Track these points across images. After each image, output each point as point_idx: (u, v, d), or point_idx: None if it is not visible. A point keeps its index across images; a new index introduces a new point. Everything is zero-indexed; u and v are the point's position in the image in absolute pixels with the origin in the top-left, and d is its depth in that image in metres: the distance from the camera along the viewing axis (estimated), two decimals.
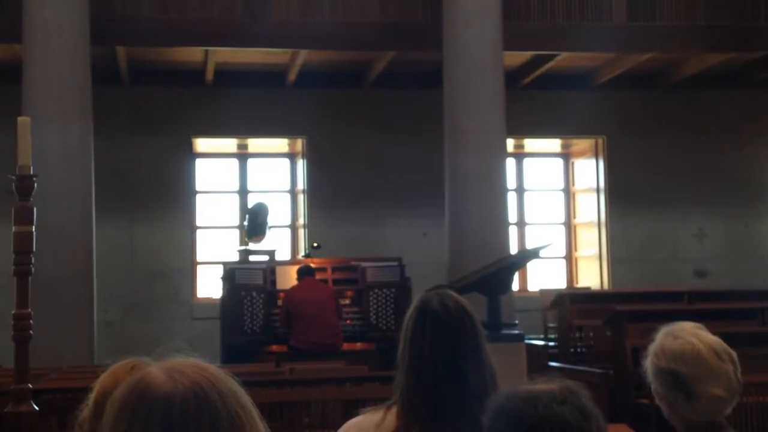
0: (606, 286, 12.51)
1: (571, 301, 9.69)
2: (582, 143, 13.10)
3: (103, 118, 9.85)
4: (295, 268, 9.49)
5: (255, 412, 1.31)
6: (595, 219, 12.88)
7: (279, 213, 12.32)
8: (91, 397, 2.50)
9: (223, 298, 9.63)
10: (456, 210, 9.39)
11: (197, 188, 12.29)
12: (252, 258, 10.54)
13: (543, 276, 12.89)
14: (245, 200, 12.35)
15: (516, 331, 7.13)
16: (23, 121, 4.31)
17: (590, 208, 12.99)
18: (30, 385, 4.25)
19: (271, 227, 10.99)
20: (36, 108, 8.35)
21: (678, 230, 12.77)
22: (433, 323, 2.44)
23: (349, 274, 9.96)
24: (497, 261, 7.44)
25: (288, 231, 12.59)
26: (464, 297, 2.57)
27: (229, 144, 12.63)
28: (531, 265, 12.32)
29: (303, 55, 10.74)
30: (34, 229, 4.21)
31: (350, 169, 12.09)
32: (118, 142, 11.34)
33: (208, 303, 11.25)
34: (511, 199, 11.75)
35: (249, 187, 12.58)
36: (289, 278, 9.48)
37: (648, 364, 2.62)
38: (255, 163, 12.77)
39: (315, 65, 11.29)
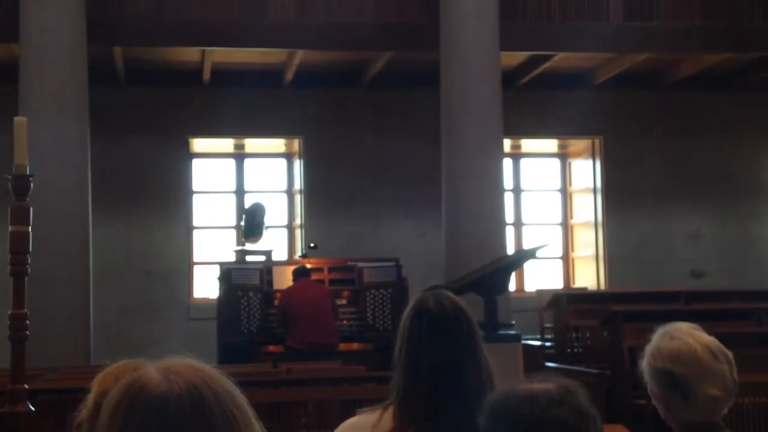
0: (603, 286, 12.52)
1: (568, 302, 9.70)
2: (579, 143, 13.12)
3: (99, 118, 9.84)
4: (292, 268, 9.49)
5: (251, 413, 1.31)
6: (592, 219, 12.89)
7: (276, 213, 12.32)
8: (90, 397, 2.50)
9: (219, 299, 9.63)
10: (453, 210, 9.40)
11: (194, 188, 12.28)
12: (249, 258, 10.53)
13: (540, 276, 12.90)
14: (242, 200, 12.35)
15: (513, 332, 7.13)
16: (20, 120, 4.30)
17: (587, 208, 13.00)
18: (26, 386, 4.24)
19: (267, 227, 10.99)
20: (32, 107, 8.34)
21: (674, 231, 12.78)
22: (429, 323, 2.44)
23: (346, 275, 9.97)
24: (494, 261, 7.44)
25: (285, 231, 12.59)
26: (461, 297, 2.57)
27: (226, 144, 12.63)
28: (528, 266, 12.34)
29: (300, 56, 10.74)
30: (30, 229, 4.21)
31: (347, 169, 12.09)
32: (114, 141, 11.34)
33: (205, 303, 11.24)
34: (508, 199, 11.76)
35: (246, 187, 12.58)
36: (286, 278, 9.48)
37: (644, 364, 2.62)
38: (252, 163, 12.76)
39: (312, 65, 11.29)
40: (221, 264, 10.04)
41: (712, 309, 8.63)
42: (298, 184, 12.46)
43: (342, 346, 9.21)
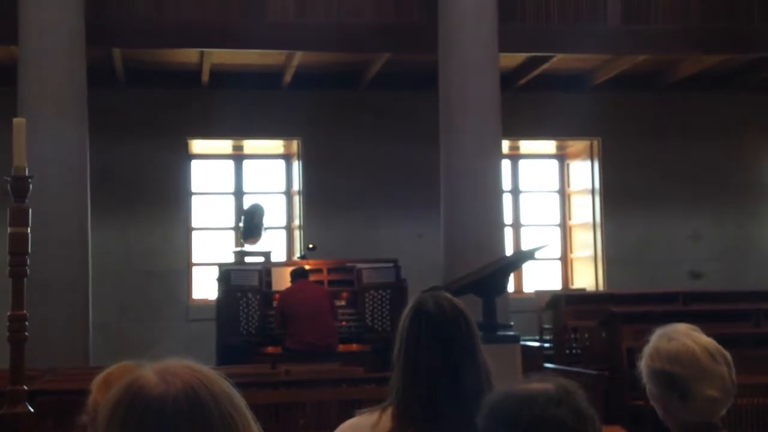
0: (601, 287, 12.52)
1: (567, 303, 9.71)
2: (577, 145, 13.12)
3: (98, 120, 9.83)
4: (291, 269, 9.49)
5: (249, 414, 1.31)
6: (590, 220, 12.89)
7: (274, 214, 12.32)
8: (90, 399, 2.50)
9: (218, 300, 9.63)
10: (451, 211, 9.40)
11: (193, 190, 12.28)
12: (247, 259, 10.53)
13: (538, 277, 12.90)
14: (241, 202, 12.35)
15: (511, 333, 7.13)
16: (19, 122, 4.31)
17: (585, 209, 13.01)
18: (25, 387, 4.24)
19: (266, 229, 10.99)
20: (31, 109, 8.33)
21: (673, 232, 12.79)
22: (428, 324, 2.44)
23: (344, 276, 9.97)
24: (493, 262, 7.45)
25: (283, 232, 12.59)
26: (460, 298, 2.57)
27: (225, 145, 12.63)
28: (526, 267, 12.34)
29: (298, 57, 10.74)
30: (29, 231, 4.21)
31: (346, 170, 12.09)
32: (113, 143, 11.34)
33: (204, 304, 11.24)
34: (507, 200, 11.76)
35: (244, 189, 12.58)
36: (284, 279, 9.48)
37: (643, 365, 2.63)
38: (250, 165, 12.76)
39: (310, 67, 11.29)
40: (220, 265, 10.04)
41: (711, 310, 8.64)
42: (296, 185, 12.46)
43: (341, 347, 9.21)
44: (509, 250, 10.46)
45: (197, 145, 12.40)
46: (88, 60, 9.14)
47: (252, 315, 9.45)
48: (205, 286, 11.81)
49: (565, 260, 13.21)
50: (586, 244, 12.95)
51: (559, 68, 11.62)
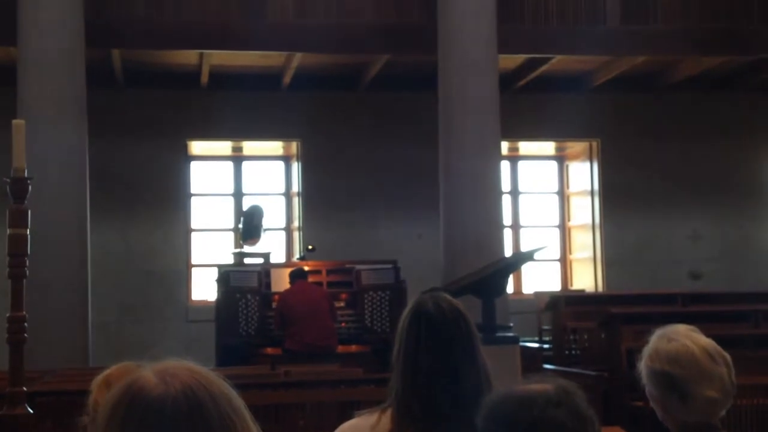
0: (600, 288, 12.52)
1: (566, 304, 9.71)
2: (576, 146, 13.12)
3: (98, 121, 9.83)
4: (290, 270, 9.49)
5: (248, 415, 1.31)
6: (590, 221, 12.89)
7: (274, 215, 12.32)
8: (90, 399, 2.50)
9: (218, 301, 9.62)
10: (451, 213, 9.40)
11: (192, 191, 12.29)
12: (247, 260, 10.53)
13: (537, 278, 12.90)
14: (240, 203, 12.35)
15: (510, 334, 7.12)
16: (18, 123, 4.31)
17: (584, 210, 13.01)
18: (25, 388, 4.24)
19: (265, 230, 10.99)
20: (31, 110, 8.34)
21: (672, 232, 12.79)
22: (427, 326, 2.44)
23: (343, 277, 9.97)
24: (492, 263, 7.45)
25: (283, 233, 12.59)
26: (459, 299, 2.58)
27: (224, 147, 12.63)
28: (526, 268, 12.34)
29: (298, 58, 10.74)
30: (28, 232, 4.21)
31: (345, 171, 12.09)
32: (113, 144, 11.34)
33: (203, 305, 11.24)
34: (506, 201, 11.77)
35: (244, 190, 12.58)
36: (283, 281, 9.48)
37: (642, 366, 2.63)
38: (250, 166, 12.76)
39: (310, 68, 11.29)
40: (219, 266, 10.04)
41: (710, 311, 8.64)
42: (296, 186, 12.46)
43: (340, 348, 9.21)
44: (509, 251, 10.46)
45: (197, 147, 12.40)
46: (88, 61, 9.14)
47: (251, 316, 9.45)
48: (204, 287, 11.81)
49: (565, 261, 13.21)
50: (585, 245, 12.95)
51: (559, 69, 11.63)
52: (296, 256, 11.68)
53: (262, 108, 11.91)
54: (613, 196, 12.69)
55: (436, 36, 9.65)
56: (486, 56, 9.45)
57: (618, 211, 12.66)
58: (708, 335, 2.64)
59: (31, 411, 4.24)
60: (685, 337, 2.59)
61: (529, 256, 8.26)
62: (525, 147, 13.26)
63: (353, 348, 9.47)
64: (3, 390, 4.31)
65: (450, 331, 2.44)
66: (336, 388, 6.14)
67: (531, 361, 8.45)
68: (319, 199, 12.11)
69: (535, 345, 10.37)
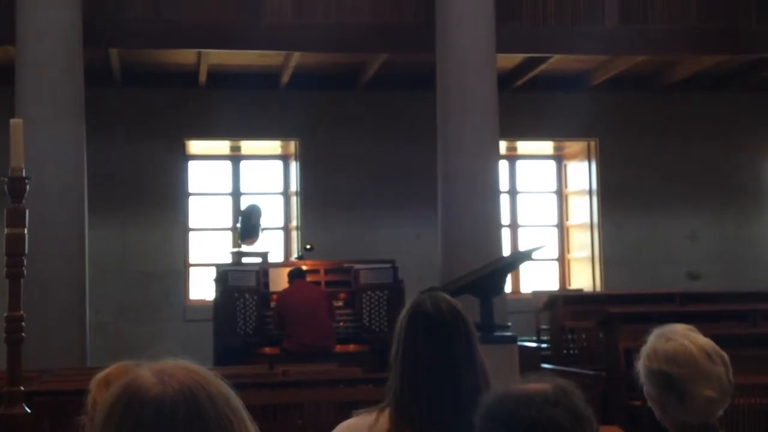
0: (598, 287, 12.53)
1: (564, 303, 9.72)
2: (574, 145, 13.13)
3: (95, 120, 9.83)
4: (288, 270, 9.49)
5: (245, 415, 1.31)
6: (588, 221, 12.90)
7: (272, 215, 12.32)
8: (89, 398, 2.50)
9: (215, 300, 9.62)
10: (449, 212, 9.40)
11: (190, 190, 12.28)
12: (245, 260, 10.52)
13: (536, 278, 12.90)
14: (238, 202, 12.34)
15: (509, 333, 7.13)
16: (15, 122, 4.30)
17: (583, 210, 13.01)
18: (22, 388, 4.24)
19: (263, 229, 10.98)
20: (28, 110, 8.33)
21: (670, 232, 12.80)
22: (426, 325, 2.44)
23: (342, 276, 9.96)
24: (490, 263, 7.45)
25: (281, 233, 12.59)
26: (457, 299, 2.58)
27: (222, 146, 12.62)
28: (524, 267, 12.34)
29: (296, 58, 10.74)
30: (26, 231, 4.20)
31: (343, 171, 12.09)
32: (110, 143, 11.33)
33: (201, 305, 11.23)
34: (504, 201, 11.77)
35: (242, 189, 12.57)
36: (282, 280, 9.48)
37: (640, 365, 2.63)
38: (248, 165, 12.76)
39: (308, 67, 11.29)
40: (217, 266, 10.04)
41: (708, 310, 8.65)
42: (294, 186, 12.46)
43: (338, 348, 9.21)
44: (507, 251, 10.46)
45: (195, 146, 12.39)
46: (86, 60, 9.13)
47: (249, 316, 9.44)
48: (202, 287, 11.81)
49: (563, 261, 13.21)
50: (583, 245, 12.96)
51: (557, 69, 11.63)
52: (294, 255, 11.68)
53: (261, 107, 11.91)
54: (611, 195, 12.69)
55: (434, 35, 9.64)
56: (484, 56, 9.44)
57: (616, 210, 12.67)
58: (706, 335, 2.64)
59: (29, 410, 4.24)
60: (683, 336, 2.59)
61: (527, 256, 8.27)
62: (523, 146, 13.26)
63: (351, 347, 9.47)
64: (1, 389, 4.31)
65: (448, 331, 2.44)
66: (334, 388, 6.14)
67: (529, 361, 8.45)
68: (318, 198, 12.11)
69: (533, 344, 10.38)
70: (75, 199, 8.78)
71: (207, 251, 12.20)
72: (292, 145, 12.44)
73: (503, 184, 11.35)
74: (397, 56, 10.84)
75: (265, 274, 9.76)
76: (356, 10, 10.35)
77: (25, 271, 4.22)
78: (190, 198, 12.28)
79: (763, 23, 10.91)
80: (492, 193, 9.49)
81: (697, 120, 12.84)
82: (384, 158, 12.10)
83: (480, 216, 9.23)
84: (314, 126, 12.08)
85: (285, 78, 11.47)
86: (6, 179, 4.19)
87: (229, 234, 12.25)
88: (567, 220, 13.28)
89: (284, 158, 12.74)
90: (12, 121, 4.32)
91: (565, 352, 9.38)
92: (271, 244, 11.83)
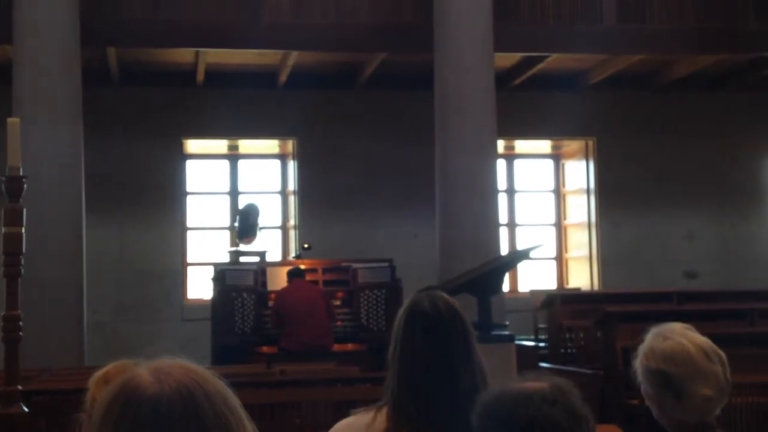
0: (596, 287, 12.53)
1: (562, 302, 9.72)
2: (572, 145, 13.13)
3: (93, 119, 9.82)
4: (286, 269, 9.49)
5: (243, 414, 1.31)
6: (586, 220, 12.90)
7: (270, 214, 12.31)
8: (88, 397, 2.51)
9: (213, 300, 9.62)
10: (447, 211, 9.40)
11: (188, 189, 12.28)
12: (243, 259, 10.53)
13: (533, 277, 12.91)
14: (236, 201, 12.34)
15: (506, 332, 7.13)
16: (13, 122, 4.30)
17: (580, 209, 13.02)
18: (20, 387, 4.23)
19: (261, 228, 10.98)
20: (26, 109, 8.33)
21: (668, 231, 12.80)
22: (423, 324, 2.44)
23: (340, 275, 9.96)
24: (488, 262, 7.45)
25: (279, 232, 12.58)
26: (455, 298, 2.57)
27: (220, 145, 12.62)
28: (521, 266, 12.35)
29: (294, 57, 10.73)
30: (23, 231, 4.20)
31: (341, 170, 12.09)
32: (108, 143, 11.32)
33: (199, 304, 11.23)
34: (502, 200, 11.77)
35: (240, 189, 12.57)
36: (280, 279, 9.48)
37: (638, 364, 2.63)
38: (246, 165, 12.76)
39: (306, 66, 11.28)
40: (215, 265, 10.03)
41: (705, 309, 8.65)
42: (292, 185, 12.46)
43: (336, 347, 9.21)
44: (504, 250, 10.46)
45: (192, 145, 12.39)
46: (83, 59, 9.13)
47: (247, 315, 9.44)
48: (200, 286, 11.81)
49: (560, 260, 13.22)
50: (581, 244, 12.96)
51: (555, 68, 11.63)
52: (292, 254, 11.68)
53: (258, 106, 11.91)
54: (609, 194, 12.70)
55: (432, 35, 9.65)
56: (482, 54, 9.45)
57: (614, 209, 12.68)
58: (703, 334, 2.64)
59: (27, 410, 4.23)
60: (680, 335, 2.59)
61: (525, 255, 8.27)
62: (521, 145, 13.26)
63: (349, 346, 9.47)
64: None
65: (446, 330, 2.43)
66: (332, 387, 6.14)
67: (527, 360, 8.45)
68: (315, 197, 12.11)
69: (531, 343, 10.38)
70: (73, 199, 8.77)
71: (205, 250, 12.20)
72: (290, 145, 12.43)
73: (501, 183, 11.36)
74: (395, 56, 10.84)
75: (263, 273, 9.75)
76: (355, 10, 10.35)
77: (22, 271, 4.21)
78: (188, 197, 12.28)
79: (761, 23, 10.91)
80: (490, 192, 9.50)
81: (694, 119, 12.84)
82: (382, 157, 12.10)
83: (478, 215, 9.24)
84: (312, 125, 12.08)
85: (283, 77, 11.47)
86: (3, 178, 4.19)
87: (227, 233, 12.24)
88: (565, 219, 13.29)
89: (282, 157, 12.74)
90: (9, 120, 4.32)
91: (562, 351, 9.38)
92: (269, 244, 11.83)
